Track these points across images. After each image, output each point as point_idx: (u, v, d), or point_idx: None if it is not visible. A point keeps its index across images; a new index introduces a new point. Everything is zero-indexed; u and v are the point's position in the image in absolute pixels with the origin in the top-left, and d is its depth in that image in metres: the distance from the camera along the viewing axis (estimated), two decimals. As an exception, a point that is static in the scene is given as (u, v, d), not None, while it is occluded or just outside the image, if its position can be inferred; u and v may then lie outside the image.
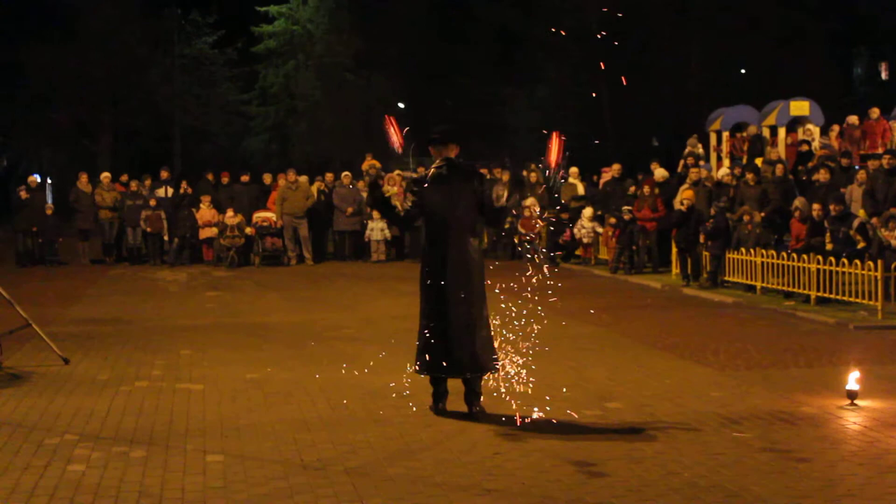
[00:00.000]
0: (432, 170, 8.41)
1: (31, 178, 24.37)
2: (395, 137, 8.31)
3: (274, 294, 17.53)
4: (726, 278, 17.16)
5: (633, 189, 20.92)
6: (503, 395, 8.61)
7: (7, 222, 25.01)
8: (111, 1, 39.17)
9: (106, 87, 39.68)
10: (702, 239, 17.52)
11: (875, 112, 21.65)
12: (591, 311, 13.89)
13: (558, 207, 22.82)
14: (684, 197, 18.34)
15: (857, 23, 42.70)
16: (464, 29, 42.12)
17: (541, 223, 23.21)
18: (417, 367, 8.40)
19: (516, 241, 23.17)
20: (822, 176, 17.85)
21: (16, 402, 8.97)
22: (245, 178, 24.27)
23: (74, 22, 38.91)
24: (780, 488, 6.41)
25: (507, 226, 23.22)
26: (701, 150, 23.33)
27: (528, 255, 22.49)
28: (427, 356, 8.25)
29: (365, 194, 23.54)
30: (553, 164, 8.33)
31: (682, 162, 21.69)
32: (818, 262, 14.82)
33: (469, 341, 8.18)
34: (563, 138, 8.41)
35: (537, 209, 22.99)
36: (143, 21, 40.72)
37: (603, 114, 40.20)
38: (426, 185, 8.33)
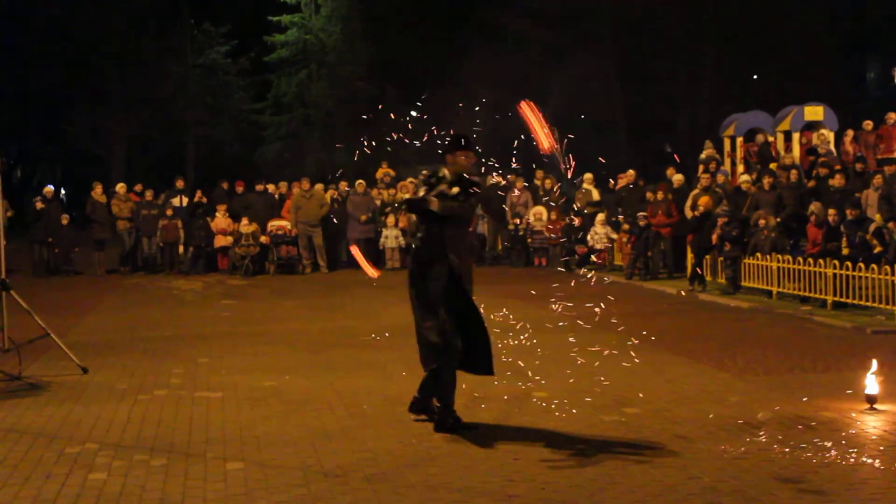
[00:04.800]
0: (449, 180, 8.18)
1: (46, 189, 24.42)
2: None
3: (289, 302, 17.56)
4: (742, 283, 17.14)
5: (649, 195, 20.86)
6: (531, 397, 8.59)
7: (23, 233, 25.11)
8: (125, 12, 39.31)
9: (120, 98, 39.82)
10: (715, 239, 17.51)
11: (892, 117, 21.61)
12: (613, 320, 13.86)
13: (572, 213, 22.81)
14: (700, 202, 18.31)
15: (870, 28, 42.62)
16: (473, 36, 41.93)
17: (560, 222, 23.07)
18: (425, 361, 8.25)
19: (529, 244, 23.20)
20: (837, 181, 17.80)
21: (36, 412, 9.01)
22: (260, 187, 24.31)
23: (88, 31, 39.06)
24: (800, 493, 6.40)
25: (521, 232, 23.32)
26: (718, 156, 23.30)
27: (548, 257, 22.72)
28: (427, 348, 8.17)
29: (379, 202, 23.65)
30: (548, 150, 7.49)
31: (701, 167, 21.66)
32: (834, 267, 14.79)
33: (461, 340, 8.06)
34: (533, 109, 7.23)
35: (544, 216, 22.97)
36: (157, 31, 40.88)
37: (617, 120, 40.11)
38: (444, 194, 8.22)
